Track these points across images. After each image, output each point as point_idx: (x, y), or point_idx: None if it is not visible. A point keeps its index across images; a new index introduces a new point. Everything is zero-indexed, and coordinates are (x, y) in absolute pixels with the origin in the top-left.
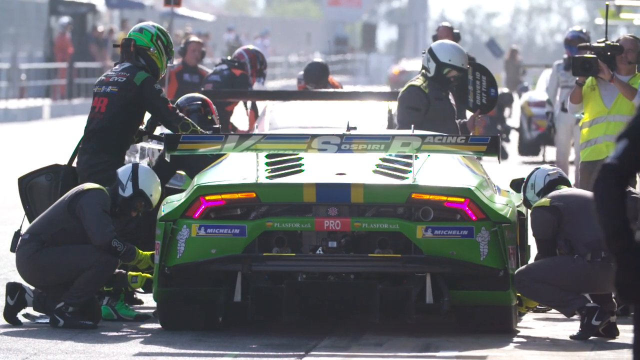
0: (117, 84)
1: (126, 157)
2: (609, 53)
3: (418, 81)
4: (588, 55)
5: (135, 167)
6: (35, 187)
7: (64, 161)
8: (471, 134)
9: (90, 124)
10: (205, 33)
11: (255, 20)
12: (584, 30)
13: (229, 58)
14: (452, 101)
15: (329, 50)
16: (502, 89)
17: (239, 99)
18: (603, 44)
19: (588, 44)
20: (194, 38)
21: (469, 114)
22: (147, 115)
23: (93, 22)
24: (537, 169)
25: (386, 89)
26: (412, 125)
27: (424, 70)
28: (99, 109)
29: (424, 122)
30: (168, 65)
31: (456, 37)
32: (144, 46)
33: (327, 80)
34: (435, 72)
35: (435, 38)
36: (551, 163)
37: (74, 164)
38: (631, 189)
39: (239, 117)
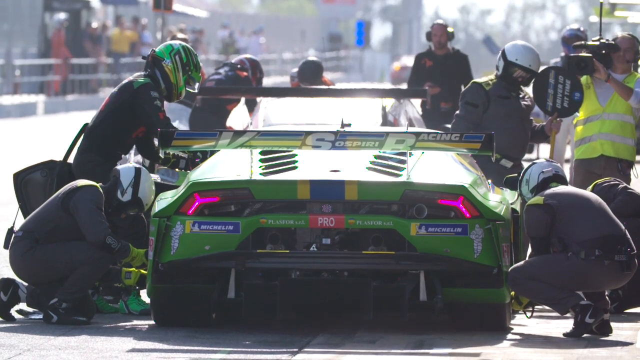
0: (120, 86)
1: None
2: (603, 51)
3: (483, 78)
4: (583, 54)
5: (138, 172)
6: (30, 183)
7: (59, 157)
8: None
9: (90, 121)
10: (199, 29)
11: (249, 17)
12: (582, 29)
13: (232, 61)
14: (529, 103)
15: (323, 48)
16: None
17: (236, 96)
18: (597, 42)
19: (583, 42)
20: (180, 35)
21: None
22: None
23: (87, 19)
24: (534, 164)
25: (387, 85)
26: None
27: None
28: (101, 107)
29: (483, 119)
30: (189, 88)
31: (450, 36)
32: (159, 57)
33: (321, 79)
34: (502, 71)
35: (428, 35)
36: (547, 159)
37: (69, 160)
38: (627, 185)
39: (238, 119)
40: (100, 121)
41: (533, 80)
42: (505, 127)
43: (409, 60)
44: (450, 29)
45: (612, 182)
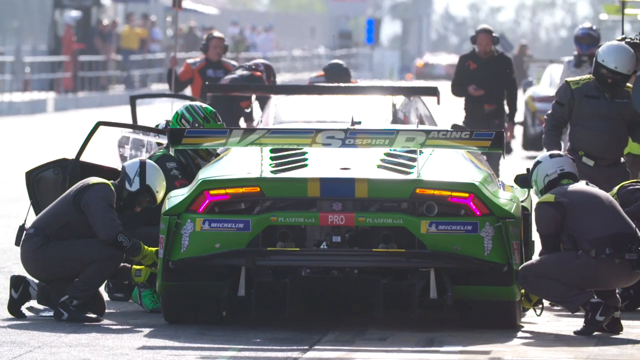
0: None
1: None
2: None
3: (576, 77)
4: None
5: (143, 162)
6: (42, 181)
7: (70, 155)
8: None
9: None
10: (209, 27)
11: (259, 15)
12: (594, 27)
13: (248, 64)
14: (629, 103)
15: (333, 45)
16: None
17: (246, 93)
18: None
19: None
20: (216, 34)
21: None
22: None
23: (97, 16)
24: (539, 163)
25: (409, 83)
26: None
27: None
28: None
29: (571, 117)
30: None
31: (495, 40)
32: (171, 127)
33: (349, 81)
34: (593, 71)
35: (473, 39)
36: (550, 154)
37: (82, 159)
38: None
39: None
40: None
41: (636, 79)
42: (588, 126)
43: (431, 57)
44: (495, 35)
45: (636, 186)
